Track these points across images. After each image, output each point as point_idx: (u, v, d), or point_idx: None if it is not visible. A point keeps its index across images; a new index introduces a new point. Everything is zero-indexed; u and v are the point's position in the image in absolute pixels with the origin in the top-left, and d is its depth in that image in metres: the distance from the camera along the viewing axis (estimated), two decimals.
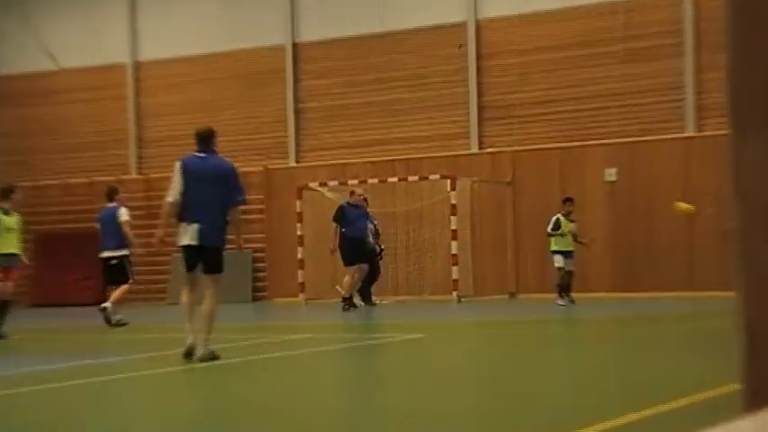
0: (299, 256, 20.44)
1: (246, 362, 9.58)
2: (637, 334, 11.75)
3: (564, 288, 16.35)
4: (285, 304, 20.63)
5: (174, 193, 9.06)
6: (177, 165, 9.25)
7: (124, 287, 14.31)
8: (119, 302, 14.38)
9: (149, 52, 23.61)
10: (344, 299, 16.63)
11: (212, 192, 8.92)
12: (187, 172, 9.10)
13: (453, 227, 18.99)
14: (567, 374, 8.22)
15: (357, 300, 17.07)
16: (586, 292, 19.37)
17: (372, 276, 17.93)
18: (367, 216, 17.43)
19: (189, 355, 8.86)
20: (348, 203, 17.12)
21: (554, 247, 16.36)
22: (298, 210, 20.56)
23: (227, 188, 8.98)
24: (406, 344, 11.23)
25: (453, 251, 19.07)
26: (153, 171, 23.68)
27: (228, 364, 9.04)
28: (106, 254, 14.43)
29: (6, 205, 12.80)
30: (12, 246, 12.72)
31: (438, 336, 12.42)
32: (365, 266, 16.85)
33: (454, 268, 19.09)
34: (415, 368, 8.96)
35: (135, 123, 23.84)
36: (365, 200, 17.84)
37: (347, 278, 16.68)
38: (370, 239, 17.33)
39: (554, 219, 16.33)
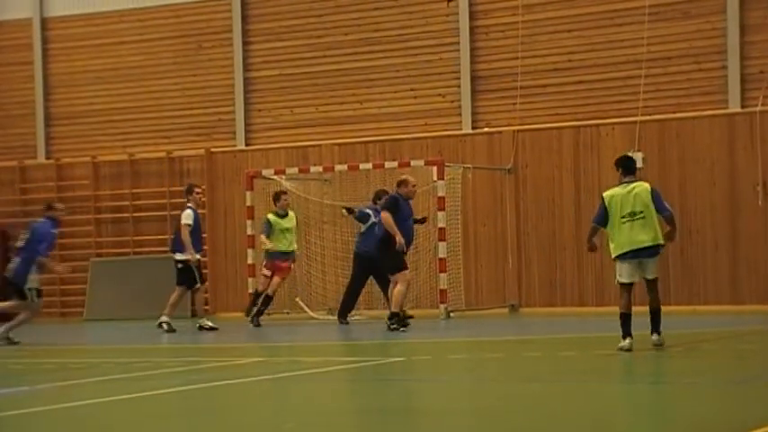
0: (250, 261, 20.16)
1: (176, 393, 9.36)
2: (672, 360, 11.58)
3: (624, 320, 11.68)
4: (231, 320, 20.37)
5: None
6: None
7: (178, 291, 17.27)
8: (171, 307, 17.29)
9: (61, 5, 23.16)
10: (393, 314, 15.83)
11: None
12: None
13: (441, 224, 18.82)
14: (586, 415, 8.01)
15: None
16: (604, 306, 19.22)
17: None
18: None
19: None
20: (400, 195, 16.13)
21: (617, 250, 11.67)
22: (248, 203, 20.28)
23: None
24: (372, 370, 10.96)
25: (441, 255, 18.89)
26: (65, 155, 23.32)
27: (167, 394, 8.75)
28: (176, 256, 17.30)
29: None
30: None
31: (419, 360, 12.23)
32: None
33: (442, 276, 18.91)
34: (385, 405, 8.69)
35: (43, 95, 23.46)
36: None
37: (399, 287, 15.80)
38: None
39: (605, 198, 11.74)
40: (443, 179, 18.96)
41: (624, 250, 11.49)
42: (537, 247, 19.97)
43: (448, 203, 19.11)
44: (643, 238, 11.41)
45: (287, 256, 17.92)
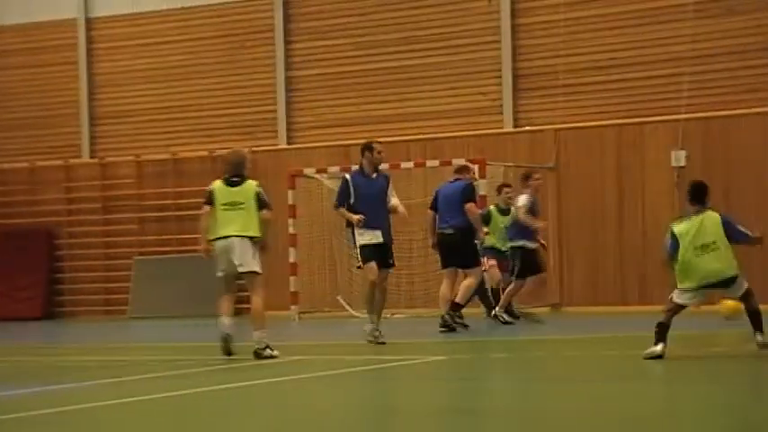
0: (292, 259, 20.20)
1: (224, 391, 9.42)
2: (715, 360, 11.45)
3: None
4: (273, 319, 20.43)
5: None
6: None
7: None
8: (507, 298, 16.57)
9: (106, 5, 23.35)
10: (458, 306, 15.34)
11: None
12: None
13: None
14: (628, 418, 7.93)
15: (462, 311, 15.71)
16: (647, 305, 19.09)
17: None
18: None
19: None
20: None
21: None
22: (290, 202, 20.32)
23: None
24: (408, 369, 10.99)
25: None
26: (110, 154, 23.47)
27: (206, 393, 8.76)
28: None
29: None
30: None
31: (460, 359, 12.19)
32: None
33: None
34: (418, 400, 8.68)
35: (87, 94, 23.64)
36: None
37: (473, 281, 15.41)
38: None
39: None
40: (485, 178, 18.89)
41: (696, 284, 10.78)
42: (579, 246, 19.85)
43: (490, 202, 19.00)
44: (718, 267, 10.75)
45: (502, 254, 16.90)
